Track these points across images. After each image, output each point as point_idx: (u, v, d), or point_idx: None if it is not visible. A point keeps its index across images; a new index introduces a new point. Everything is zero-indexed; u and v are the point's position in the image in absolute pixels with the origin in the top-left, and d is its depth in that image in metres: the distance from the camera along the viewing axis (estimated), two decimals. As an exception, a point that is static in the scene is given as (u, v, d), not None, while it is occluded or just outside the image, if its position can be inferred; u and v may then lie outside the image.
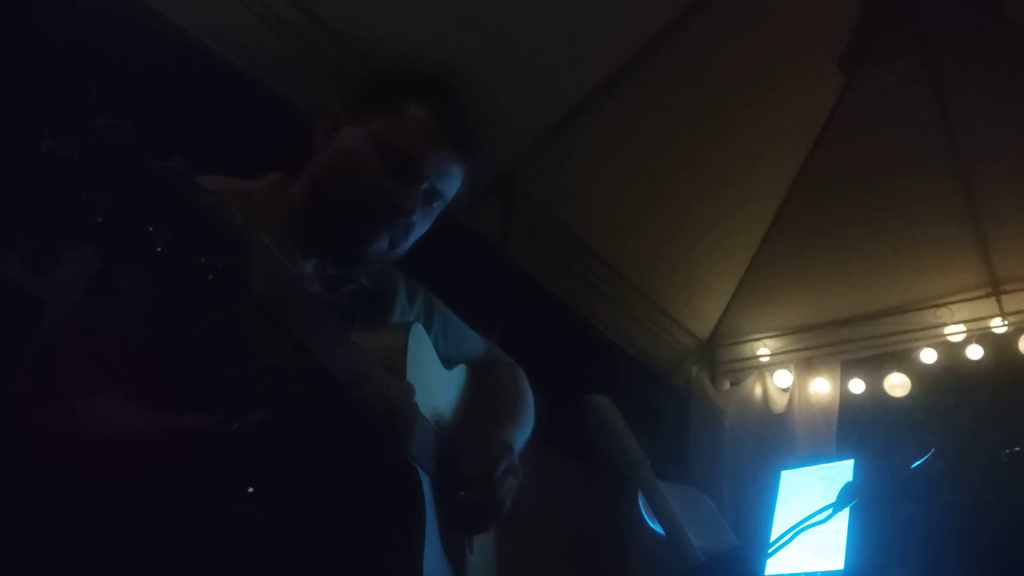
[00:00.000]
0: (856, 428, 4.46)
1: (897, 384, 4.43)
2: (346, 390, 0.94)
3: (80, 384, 1.03)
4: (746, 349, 4.80)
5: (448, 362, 1.41)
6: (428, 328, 1.40)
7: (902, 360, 4.44)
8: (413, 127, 1.24)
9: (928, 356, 4.35)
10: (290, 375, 0.95)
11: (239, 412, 0.98)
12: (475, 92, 1.32)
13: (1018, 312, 4.19)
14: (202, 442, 0.99)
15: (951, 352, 4.32)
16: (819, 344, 4.60)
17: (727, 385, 4.83)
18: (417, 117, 1.25)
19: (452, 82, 1.31)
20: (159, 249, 0.68)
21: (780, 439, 4.45)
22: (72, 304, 1.04)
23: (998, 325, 4.20)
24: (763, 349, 4.74)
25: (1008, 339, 4.21)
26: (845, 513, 1.58)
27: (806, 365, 4.61)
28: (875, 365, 4.51)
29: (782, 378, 4.64)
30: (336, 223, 1.23)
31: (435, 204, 1.28)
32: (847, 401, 4.52)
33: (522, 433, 1.45)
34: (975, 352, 4.25)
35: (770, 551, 1.32)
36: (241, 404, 0.99)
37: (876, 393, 4.48)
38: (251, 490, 1.03)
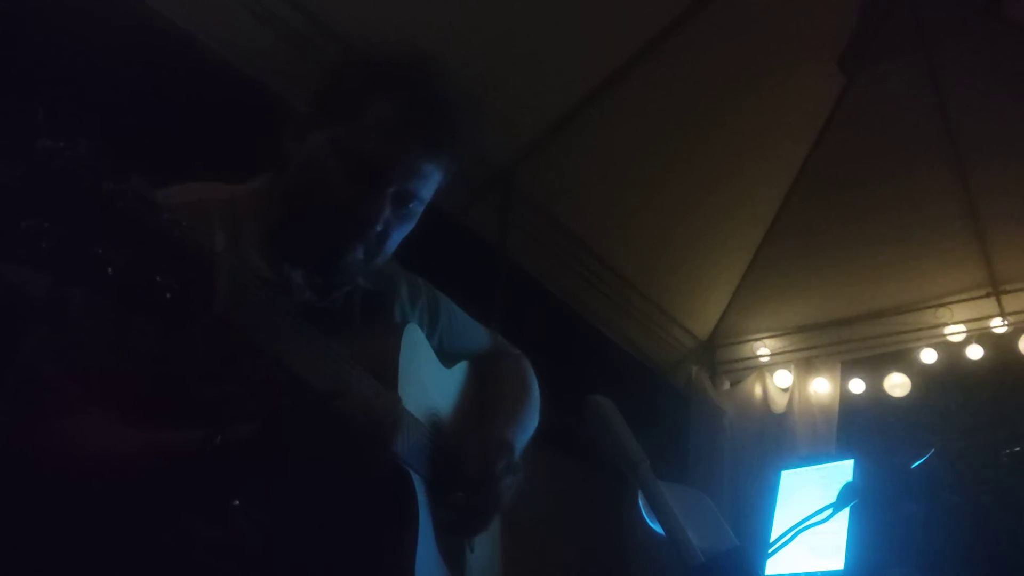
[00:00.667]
0: (856, 428, 4.46)
1: (897, 384, 4.43)
2: (326, 401, 0.93)
3: (63, 404, 1.02)
4: (746, 349, 4.80)
5: (453, 357, 1.40)
6: (433, 325, 1.39)
7: (902, 360, 4.44)
8: (375, 128, 1.14)
9: (928, 356, 4.35)
10: (271, 388, 0.95)
11: (223, 426, 0.97)
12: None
13: (1018, 312, 4.19)
14: (187, 457, 0.98)
15: (951, 352, 4.32)
16: (819, 344, 4.60)
17: (727, 385, 4.82)
18: (379, 117, 1.15)
19: (422, 70, 1.20)
20: (109, 271, 0.67)
21: (780, 439, 4.45)
22: (53, 324, 1.03)
23: (998, 325, 4.20)
24: (763, 349, 4.74)
25: (1008, 339, 4.21)
26: (845, 513, 1.58)
27: (806, 365, 4.61)
28: (875, 365, 4.51)
29: (782, 378, 4.64)
30: (306, 238, 1.17)
31: (411, 205, 1.19)
32: (847, 401, 4.51)
33: (525, 428, 1.42)
34: (975, 352, 4.25)
35: (770, 551, 1.32)
36: (224, 418, 0.98)
37: (876, 393, 4.48)
38: (236, 503, 1.01)
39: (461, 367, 1.44)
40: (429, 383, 1.27)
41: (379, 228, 1.16)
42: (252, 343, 0.84)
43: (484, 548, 1.34)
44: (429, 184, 1.20)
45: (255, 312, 0.83)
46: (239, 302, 0.80)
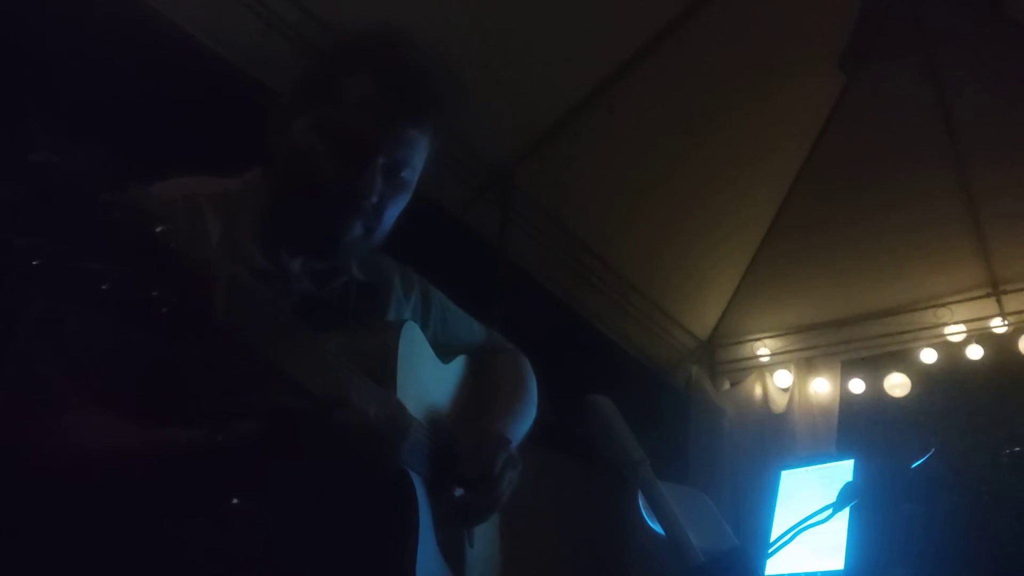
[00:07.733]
0: (856, 428, 4.46)
1: (897, 384, 4.43)
2: (326, 410, 0.92)
3: (58, 401, 1.01)
4: (746, 349, 4.80)
5: (448, 352, 1.39)
6: (426, 319, 1.39)
7: (902, 360, 4.44)
8: (356, 103, 1.16)
9: (928, 356, 4.35)
10: (272, 388, 0.94)
11: (223, 424, 0.96)
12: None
13: (1018, 312, 4.19)
14: (188, 454, 0.97)
15: (951, 352, 4.32)
16: (819, 344, 4.60)
17: (727, 385, 4.82)
18: (359, 92, 1.17)
19: (394, 42, 1.22)
20: (105, 287, 0.66)
21: (780, 439, 4.45)
22: (45, 323, 1.01)
23: (998, 325, 4.20)
24: (763, 349, 4.74)
25: (1008, 339, 4.22)
26: (845, 513, 1.58)
27: (806, 365, 4.61)
28: (875, 365, 4.51)
29: (782, 378, 4.64)
30: (303, 220, 1.18)
31: (403, 174, 1.20)
32: (847, 401, 4.52)
33: (521, 422, 1.41)
34: (975, 352, 4.25)
35: (770, 551, 1.32)
36: (225, 416, 0.97)
37: (876, 393, 4.48)
38: (235, 502, 1.01)
39: (459, 362, 1.43)
40: (427, 380, 1.27)
41: (374, 200, 1.17)
42: (249, 353, 0.82)
43: (483, 542, 1.34)
44: (417, 152, 1.21)
45: (254, 320, 0.82)
46: (237, 312, 0.79)
